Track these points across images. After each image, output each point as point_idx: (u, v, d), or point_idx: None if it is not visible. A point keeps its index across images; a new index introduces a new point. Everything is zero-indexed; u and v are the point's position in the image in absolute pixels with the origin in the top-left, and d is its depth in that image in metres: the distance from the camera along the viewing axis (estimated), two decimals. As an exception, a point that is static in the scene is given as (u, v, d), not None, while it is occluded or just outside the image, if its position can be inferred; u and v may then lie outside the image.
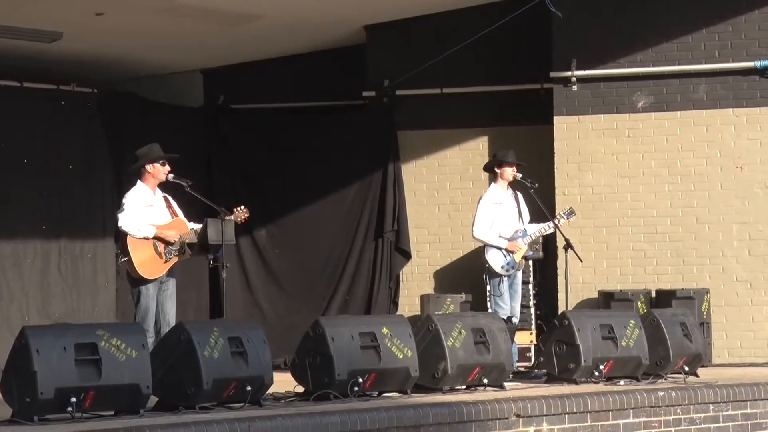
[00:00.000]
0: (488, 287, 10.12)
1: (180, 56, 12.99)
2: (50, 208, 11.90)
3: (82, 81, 12.25)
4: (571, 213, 10.28)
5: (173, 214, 9.20)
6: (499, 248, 10.05)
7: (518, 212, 10.23)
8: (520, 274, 10.23)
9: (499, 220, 10.15)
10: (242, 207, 9.30)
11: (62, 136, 12.00)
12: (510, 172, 10.19)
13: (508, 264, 10.05)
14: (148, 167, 9.14)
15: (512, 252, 10.03)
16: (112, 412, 7.23)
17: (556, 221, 10.20)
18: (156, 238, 9.02)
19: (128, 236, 9.03)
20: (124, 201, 9.14)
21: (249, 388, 7.64)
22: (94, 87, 12.31)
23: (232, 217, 9.22)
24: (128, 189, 9.26)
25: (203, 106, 13.51)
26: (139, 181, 9.17)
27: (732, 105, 11.83)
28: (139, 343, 7.32)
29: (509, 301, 10.06)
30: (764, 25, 11.76)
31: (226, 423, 6.77)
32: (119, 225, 9.11)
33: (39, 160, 11.82)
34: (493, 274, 10.07)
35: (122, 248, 9.11)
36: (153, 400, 7.51)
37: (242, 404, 7.65)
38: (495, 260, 10.06)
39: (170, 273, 9.12)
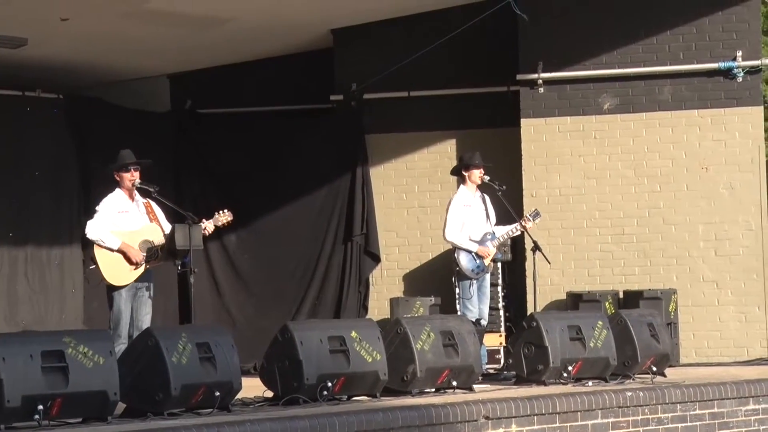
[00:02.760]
0: (457, 290, 10.14)
1: (146, 61, 12.94)
2: (17, 215, 11.83)
3: (47, 87, 12.19)
4: (536, 215, 10.32)
5: (153, 220, 9.17)
6: (470, 252, 10.07)
7: (486, 214, 10.26)
8: (488, 276, 10.26)
9: (469, 222, 10.17)
10: (225, 210, 9.32)
11: (28, 142, 11.94)
12: (478, 175, 10.22)
13: (478, 267, 10.07)
14: (116, 175, 9.15)
15: (482, 257, 10.06)
16: (80, 420, 7.20)
17: (523, 223, 10.24)
18: (120, 252, 8.99)
19: (95, 244, 9.02)
20: (97, 208, 9.15)
21: (217, 393, 7.63)
22: (60, 93, 12.25)
23: (211, 221, 9.23)
24: (96, 195, 9.25)
25: (170, 111, 13.47)
26: (117, 188, 9.19)
27: (697, 106, 11.91)
28: (107, 349, 7.28)
29: (478, 303, 10.08)
30: (728, 26, 11.86)
31: (194, 429, 6.75)
32: (86, 232, 9.10)
33: (5, 167, 11.75)
34: (463, 277, 10.08)
35: (91, 255, 9.08)
36: (121, 406, 7.47)
37: (211, 410, 7.63)
38: (466, 263, 10.08)
39: (147, 278, 9.09)
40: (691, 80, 11.92)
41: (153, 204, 9.25)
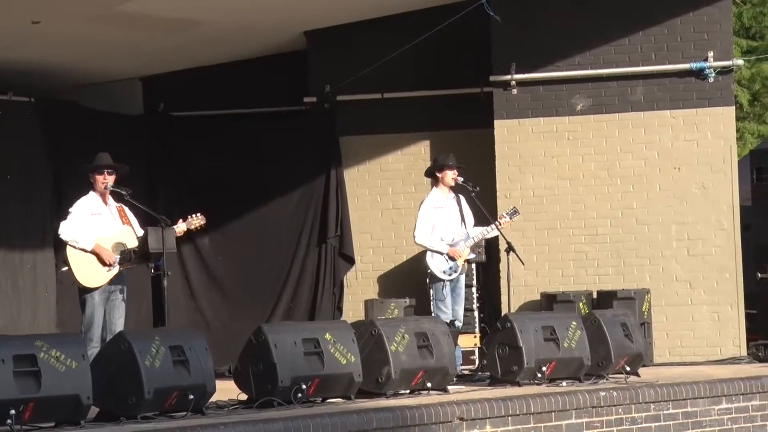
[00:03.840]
0: (431, 292, 10.13)
1: (119, 64, 12.90)
2: (-12, 218, 11.77)
3: (19, 90, 12.12)
4: (514, 212, 10.29)
5: (126, 224, 9.15)
6: (441, 253, 10.07)
7: (460, 216, 10.24)
8: (463, 277, 10.24)
9: (441, 224, 10.16)
10: (198, 214, 9.33)
11: (0, 145, 11.86)
12: (451, 176, 10.21)
13: (450, 269, 10.06)
14: (90, 177, 9.14)
15: (453, 258, 10.06)
16: (53, 424, 7.17)
17: (500, 221, 10.22)
18: (94, 253, 8.96)
19: (68, 245, 8.99)
20: (70, 209, 9.13)
21: (191, 396, 7.61)
22: (32, 96, 12.18)
23: (184, 224, 9.24)
24: (68, 198, 9.23)
25: (143, 114, 13.43)
26: (90, 191, 9.16)
27: (669, 107, 11.97)
28: (79, 353, 7.26)
29: (452, 304, 10.08)
30: (699, 27, 11.92)
31: (168, 432, 6.74)
32: (59, 233, 9.08)
33: (-24, 171, 11.69)
34: (435, 279, 10.07)
35: (64, 257, 9.06)
36: (94, 410, 7.45)
37: (185, 413, 7.62)
38: (437, 265, 10.07)
39: (120, 281, 9.07)
40: (663, 81, 11.97)
41: (126, 208, 9.24)
